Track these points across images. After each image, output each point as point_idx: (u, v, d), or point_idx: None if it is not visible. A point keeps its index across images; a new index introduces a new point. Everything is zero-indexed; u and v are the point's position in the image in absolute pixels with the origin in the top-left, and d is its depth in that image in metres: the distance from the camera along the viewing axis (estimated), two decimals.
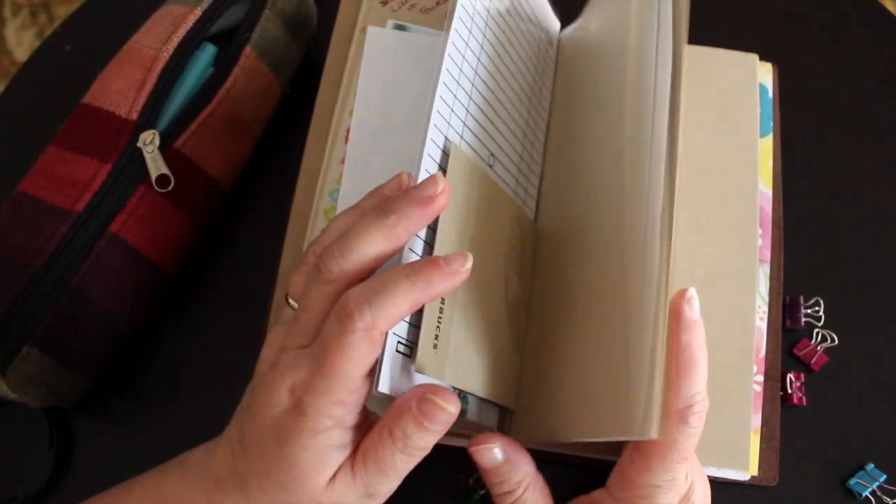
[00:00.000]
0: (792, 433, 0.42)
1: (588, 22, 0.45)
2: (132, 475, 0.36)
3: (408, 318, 0.33)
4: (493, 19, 0.40)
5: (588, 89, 0.43)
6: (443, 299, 0.33)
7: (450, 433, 0.40)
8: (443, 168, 0.35)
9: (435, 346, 0.33)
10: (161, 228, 0.43)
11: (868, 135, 0.50)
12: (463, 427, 0.39)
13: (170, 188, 0.43)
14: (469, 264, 0.31)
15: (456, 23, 0.36)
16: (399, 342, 0.32)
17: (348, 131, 0.44)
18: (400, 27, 0.46)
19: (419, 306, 0.31)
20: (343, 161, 0.43)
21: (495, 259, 0.38)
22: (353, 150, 0.43)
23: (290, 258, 0.45)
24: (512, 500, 0.35)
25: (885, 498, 0.42)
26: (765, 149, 0.46)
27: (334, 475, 0.32)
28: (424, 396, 0.31)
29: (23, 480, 0.44)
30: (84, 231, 0.41)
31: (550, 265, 0.41)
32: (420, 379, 0.33)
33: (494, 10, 0.40)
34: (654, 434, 0.29)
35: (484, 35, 0.39)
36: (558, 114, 0.45)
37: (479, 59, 0.39)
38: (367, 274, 0.32)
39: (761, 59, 0.48)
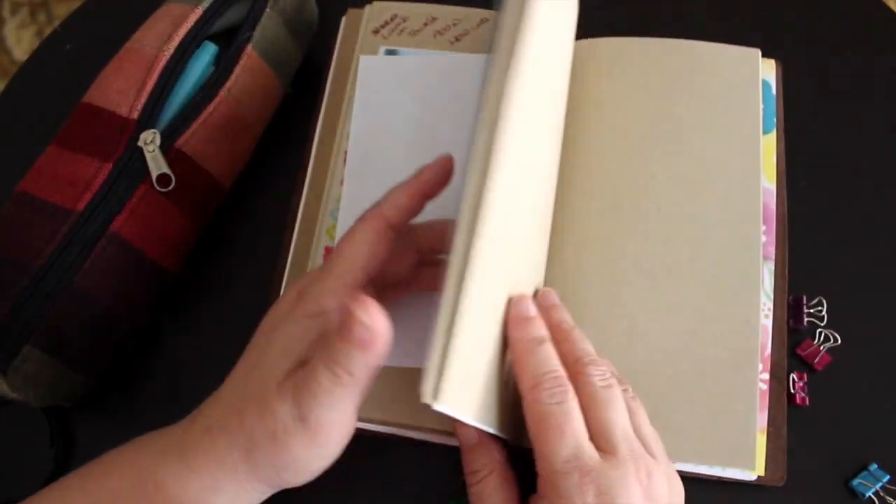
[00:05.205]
0: (794, 433, 0.42)
1: None
2: None
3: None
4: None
5: None
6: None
7: (447, 433, 0.40)
8: None
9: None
10: (162, 228, 0.43)
11: (871, 133, 0.50)
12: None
13: (171, 188, 0.43)
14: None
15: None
16: None
17: (346, 154, 0.47)
18: (391, 52, 0.50)
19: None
20: (343, 182, 0.46)
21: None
22: (351, 171, 0.46)
23: (294, 272, 0.45)
24: (476, 479, 0.37)
25: (889, 499, 0.41)
26: (768, 145, 0.46)
27: (282, 383, 0.33)
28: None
29: (23, 480, 0.44)
30: (85, 230, 0.41)
31: None
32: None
33: None
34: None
35: None
36: None
37: None
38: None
39: (765, 55, 0.47)
